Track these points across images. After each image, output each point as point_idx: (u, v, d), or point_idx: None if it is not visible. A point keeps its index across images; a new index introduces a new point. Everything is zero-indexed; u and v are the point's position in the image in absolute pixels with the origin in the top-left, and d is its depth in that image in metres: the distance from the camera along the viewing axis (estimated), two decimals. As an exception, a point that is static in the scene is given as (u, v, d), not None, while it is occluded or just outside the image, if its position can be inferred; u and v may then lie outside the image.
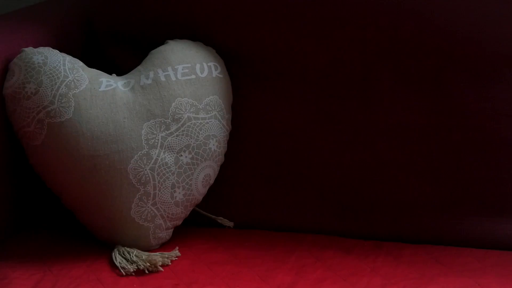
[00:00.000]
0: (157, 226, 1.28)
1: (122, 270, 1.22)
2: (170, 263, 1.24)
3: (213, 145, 1.30)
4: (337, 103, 1.34)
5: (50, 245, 1.30)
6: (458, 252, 1.28)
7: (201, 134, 1.28)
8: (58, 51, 1.29)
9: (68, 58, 1.28)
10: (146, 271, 1.23)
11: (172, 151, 1.26)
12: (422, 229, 1.32)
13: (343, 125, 1.34)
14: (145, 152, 1.24)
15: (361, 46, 1.32)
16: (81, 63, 1.28)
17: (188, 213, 1.35)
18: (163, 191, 1.26)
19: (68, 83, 1.24)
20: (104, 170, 1.23)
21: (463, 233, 1.31)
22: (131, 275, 1.22)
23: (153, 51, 1.32)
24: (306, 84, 1.35)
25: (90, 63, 1.32)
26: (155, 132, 1.25)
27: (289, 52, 1.34)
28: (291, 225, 1.36)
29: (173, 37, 1.36)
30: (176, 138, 1.26)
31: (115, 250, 1.26)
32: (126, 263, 1.23)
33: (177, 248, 1.29)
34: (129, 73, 1.31)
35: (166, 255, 1.25)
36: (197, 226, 1.36)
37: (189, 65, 1.29)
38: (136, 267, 1.23)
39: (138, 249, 1.27)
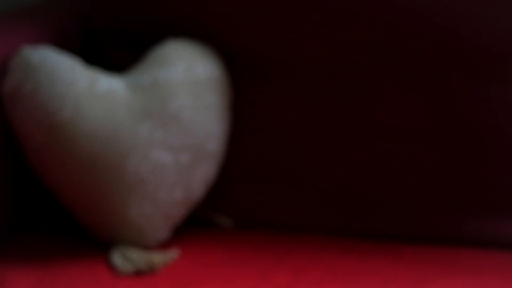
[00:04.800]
0: (156, 226, 1.28)
1: (121, 270, 1.22)
2: (169, 263, 1.25)
3: (213, 144, 1.29)
4: (338, 103, 1.34)
5: (48, 245, 1.30)
6: (458, 252, 1.28)
7: (201, 133, 1.28)
8: (57, 50, 1.29)
9: (67, 57, 1.27)
10: (145, 271, 1.23)
11: (172, 151, 1.26)
12: (422, 229, 1.32)
13: (343, 124, 1.34)
14: (144, 152, 1.24)
15: (362, 46, 1.32)
16: (80, 62, 1.28)
17: (188, 213, 1.35)
18: (162, 191, 1.26)
19: (67, 82, 1.24)
20: (103, 170, 1.23)
21: (463, 233, 1.31)
22: (130, 275, 1.22)
23: (152, 50, 1.31)
24: (306, 84, 1.35)
25: (89, 62, 1.32)
26: (154, 132, 1.25)
27: (290, 52, 1.34)
28: (290, 225, 1.36)
29: (173, 36, 1.36)
30: (175, 138, 1.26)
31: (114, 250, 1.26)
32: (125, 263, 1.23)
33: (176, 248, 1.29)
34: (128, 72, 1.31)
35: (165, 255, 1.25)
36: (197, 226, 1.36)
37: (189, 64, 1.29)
38: (135, 267, 1.23)
39: (137, 248, 1.27)
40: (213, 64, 1.32)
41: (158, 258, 1.24)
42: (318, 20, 1.33)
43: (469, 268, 1.23)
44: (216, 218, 1.37)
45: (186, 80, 1.28)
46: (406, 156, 1.32)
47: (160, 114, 1.25)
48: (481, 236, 1.30)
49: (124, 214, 1.26)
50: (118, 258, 1.24)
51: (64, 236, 1.34)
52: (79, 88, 1.24)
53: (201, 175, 1.29)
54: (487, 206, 1.30)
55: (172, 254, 1.26)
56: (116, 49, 1.41)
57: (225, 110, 1.32)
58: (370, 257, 1.26)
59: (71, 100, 1.23)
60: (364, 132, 1.34)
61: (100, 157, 1.23)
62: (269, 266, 1.24)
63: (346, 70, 1.33)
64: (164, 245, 1.31)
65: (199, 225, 1.37)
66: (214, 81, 1.31)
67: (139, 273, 1.22)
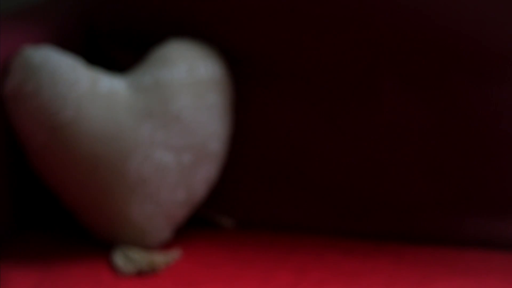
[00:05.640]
0: (158, 226, 1.28)
1: (122, 270, 1.22)
2: (170, 264, 1.24)
3: (215, 145, 1.29)
4: (339, 103, 1.34)
5: (49, 245, 1.30)
6: (461, 253, 1.28)
7: (203, 134, 1.27)
8: (59, 51, 1.28)
9: (69, 57, 1.27)
10: (147, 272, 1.23)
11: (174, 151, 1.25)
12: (424, 229, 1.31)
13: (345, 125, 1.34)
14: (146, 152, 1.24)
15: (363, 46, 1.32)
16: (81, 63, 1.28)
17: (190, 213, 1.35)
18: (164, 191, 1.26)
19: (69, 82, 1.24)
20: (105, 170, 1.23)
21: (465, 233, 1.31)
22: (131, 275, 1.22)
23: (154, 51, 1.31)
24: (308, 84, 1.35)
25: (91, 63, 1.32)
26: (156, 132, 1.25)
27: (291, 52, 1.34)
28: (292, 225, 1.36)
29: (174, 36, 1.36)
30: (177, 138, 1.26)
31: (116, 250, 1.26)
32: (127, 263, 1.23)
33: (178, 248, 1.28)
34: (130, 72, 1.31)
35: (167, 256, 1.25)
36: (198, 226, 1.36)
37: (191, 64, 1.29)
38: (136, 268, 1.22)
39: (139, 249, 1.27)
40: (215, 64, 1.32)
41: (160, 258, 1.24)
42: (320, 21, 1.32)
43: (470, 268, 1.23)
44: (218, 218, 1.37)
45: (188, 80, 1.28)
46: (407, 157, 1.32)
47: (162, 114, 1.25)
48: (483, 236, 1.30)
49: (126, 215, 1.25)
50: (119, 259, 1.24)
51: (65, 236, 1.33)
52: (81, 88, 1.24)
53: (203, 176, 1.29)
54: (489, 206, 1.30)
55: (173, 255, 1.26)
56: (118, 49, 1.41)
57: (227, 110, 1.32)
58: (372, 258, 1.26)
59: (73, 100, 1.23)
60: (366, 133, 1.33)
61: (102, 158, 1.23)
62: (271, 266, 1.23)
63: (348, 71, 1.33)
64: (165, 246, 1.30)
65: (201, 225, 1.37)
66: (216, 81, 1.31)
67: (140, 274, 1.22)
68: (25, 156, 1.31)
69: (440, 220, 1.31)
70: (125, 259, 1.24)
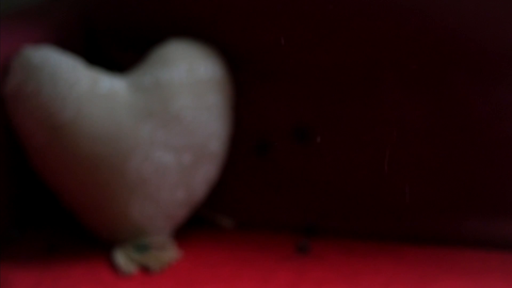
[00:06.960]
0: (158, 226, 1.28)
1: (123, 270, 1.22)
2: (170, 264, 1.24)
3: (215, 145, 1.29)
4: (339, 103, 1.34)
5: (50, 245, 1.30)
6: (460, 253, 1.28)
7: (203, 134, 1.27)
8: (59, 51, 1.28)
9: (69, 57, 1.27)
10: (147, 271, 1.22)
11: (174, 151, 1.25)
12: (424, 229, 1.31)
13: (345, 125, 1.34)
14: (146, 152, 1.24)
15: (364, 46, 1.32)
16: (82, 63, 1.28)
17: (189, 213, 1.34)
18: (164, 191, 1.26)
19: (69, 82, 1.24)
20: (105, 170, 1.23)
21: (465, 233, 1.31)
22: (131, 275, 1.22)
23: (154, 51, 1.31)
24: (308, 84, 1.35)
25: (91, 63, 1.32)
26: (156, 132, 1.25)
27: (291, 52, 1.34)
28: (292, 225, 1.36)
29: (174, 37, 1.36)
30: (177, 138, 1.26)
31: (116, 250, 1.26)
32: (127, 263, 1.23)
33: (178, 248, 1.28)
34: (130, 72, 1.31)
35: (167, 255, 1.25)
36: (198, 226, 1.36)
37: (191, 64, 1.29)
38: (136, 267, 1.22)
39: (139, 249, 1.27)
40: (214, 64, 1.31)
41: (159, 258, 1.24)
42: (320, 22, 1.32)
43: (470, 268, 1.23)
44: (218, 218, 1.37)
45: (188, 81, 1.28)
46: (407, 157, 1.32)
47: (162, 115, 1.25)
48: (483, 236, 1.30)
49: (126, 214, 1.25)
50: (120, 258, 1.24)
51: (65, 236, 1.33)
52: (81, 88, 1.24)
53: (203, 176, 1.29)
54: (488, 206, 1.30)
55: (173, 255, 1.25)
56: (118, 49, 1.41)
57: (226, 110, 1.32)
58: (372, 258, 1.26)
59: (73, 100, 1.23)
60: (366, 133, 1.33)
61: (102, 157, 1.23)
62: (271, 266, 1.23)
63: (348, 71, 1.33)
64: (165, 245, 1.30)
65: (201, 225, 1.37)
66: (216, 81, 1.31)
67: (140, 273, 1.22)
68: (25, 155, 1.31)
69: (440, 220, 1.31)
70: (126, 259, 1.24)
